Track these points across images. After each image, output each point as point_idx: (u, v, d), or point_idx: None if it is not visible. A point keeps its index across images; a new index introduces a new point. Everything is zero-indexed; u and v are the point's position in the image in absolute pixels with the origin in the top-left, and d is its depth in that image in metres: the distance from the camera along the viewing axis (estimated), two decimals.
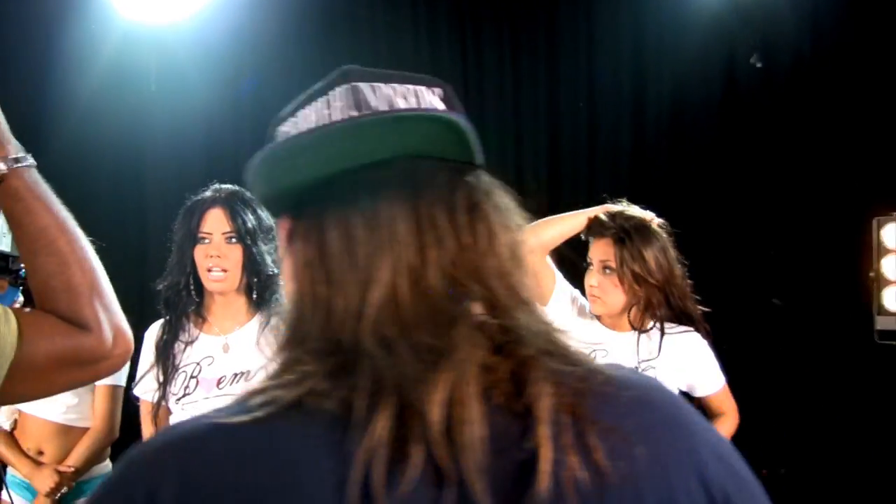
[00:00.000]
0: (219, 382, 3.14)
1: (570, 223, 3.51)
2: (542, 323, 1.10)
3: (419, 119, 1.14)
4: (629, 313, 3.39)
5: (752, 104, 6.05)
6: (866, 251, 5.42)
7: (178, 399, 3.15)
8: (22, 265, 2.00)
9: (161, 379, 3.19)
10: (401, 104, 1.15)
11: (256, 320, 3.23)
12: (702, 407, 3.55)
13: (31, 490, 3.89)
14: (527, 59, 6.30)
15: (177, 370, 3.18)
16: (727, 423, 3.57)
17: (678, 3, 6.10)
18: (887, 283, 5.38)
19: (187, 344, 3.22)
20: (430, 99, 1.19)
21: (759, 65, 5.94)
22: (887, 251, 5.39)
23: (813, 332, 5.74)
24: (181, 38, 5.59)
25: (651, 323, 3.39)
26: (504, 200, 1.16)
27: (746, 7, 5.90)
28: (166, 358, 3.20)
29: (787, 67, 5.96)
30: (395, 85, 1.16)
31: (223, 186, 3.30)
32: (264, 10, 5.79)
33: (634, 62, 6.29)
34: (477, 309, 1.07)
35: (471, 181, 1.14)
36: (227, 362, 3.17)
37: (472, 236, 1.09)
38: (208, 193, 3.27)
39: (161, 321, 3.29)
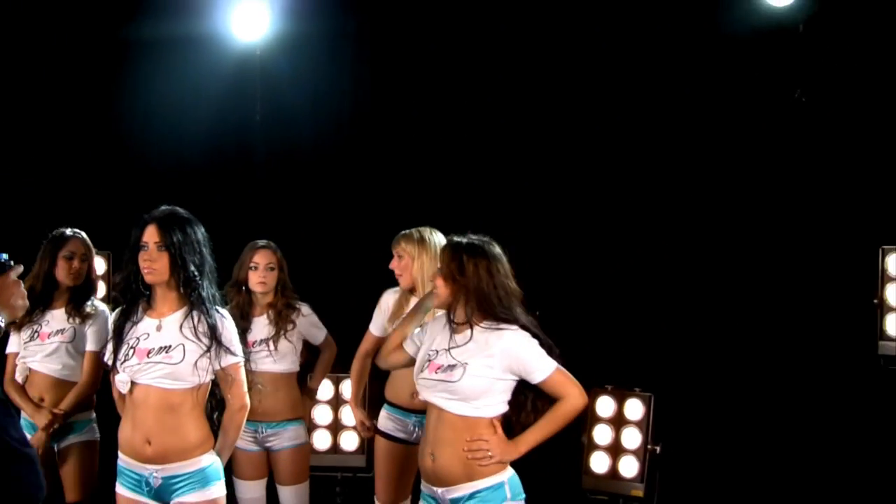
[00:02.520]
0: (148, 353, 4.17)
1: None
2: None
3: None
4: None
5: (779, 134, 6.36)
6: (872, 279, 5.61)
7: (121, 363, 4.24)
8: None
9: (112, 348, 4.32)
10: None
11: (183, 310, 4.24)
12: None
13: (34, 427, 5.25)
14: None
15: (122, 342, 4.27)
16: (565, 405, 4.04)
17: None
18: (890, 309, 5.56)
19: (134, 323, 4.30)
20: None
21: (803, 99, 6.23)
22: (891, 279, 5.57)
23: (818, 356, 5.95)
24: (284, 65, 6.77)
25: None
26: None
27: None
28: (118, 334, 4.32)
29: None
30: None
31: (162, 207, 4.33)
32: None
33: None
34: None
35: None
36: (157, 338, 4.20)
37: None
38: (152, 213, 4.32)
39: (121, 307, 4.42)
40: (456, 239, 4.23)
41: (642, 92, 6.59)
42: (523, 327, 4.04)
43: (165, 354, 4.12)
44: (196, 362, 4.11)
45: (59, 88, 7.08)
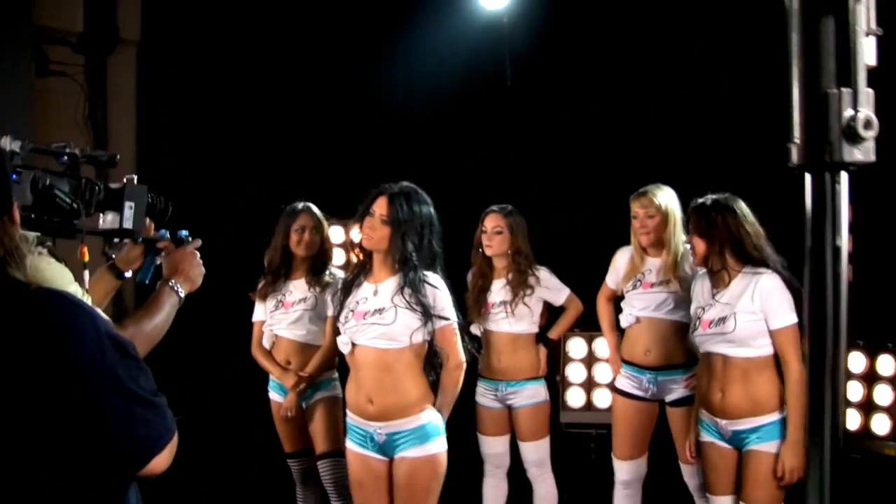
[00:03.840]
0: (364, 315, 4.52)
1: None
2: None
3: None
4: None
5: None
6: None
7: (343, 325, 4.62)
8: (152, 234, 3.33)
9: (337, 310, 4.72)
10: None
11: (397, 277, 4.51)
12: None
13: (283, 389, 5.66)
14: None
15: (344, 305, 4.65)
16: (791, 383, 4.40)
17: None
18: None
19: (357, 287, 4.67)
20: None
21: None
22: None
23: None
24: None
25: None
26: None
27: None
28: (343, 296, 4.71)
29: None
30: None
31: (402, 183, 4.60)
32: None
33: None
34: None
35: None
36: (373, 302, 4.54)
37: None
38: (389, 186, 4.61)
39: (350, 272, 4.83)
40: (699, 200, 4.64)
41: None
42: (777, 271, 4.45)
43: (379, 316, 4.44)
44: (408, 324, 4.39)
45: (308, 61, 7.60)
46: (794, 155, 1.49)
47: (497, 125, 7.37)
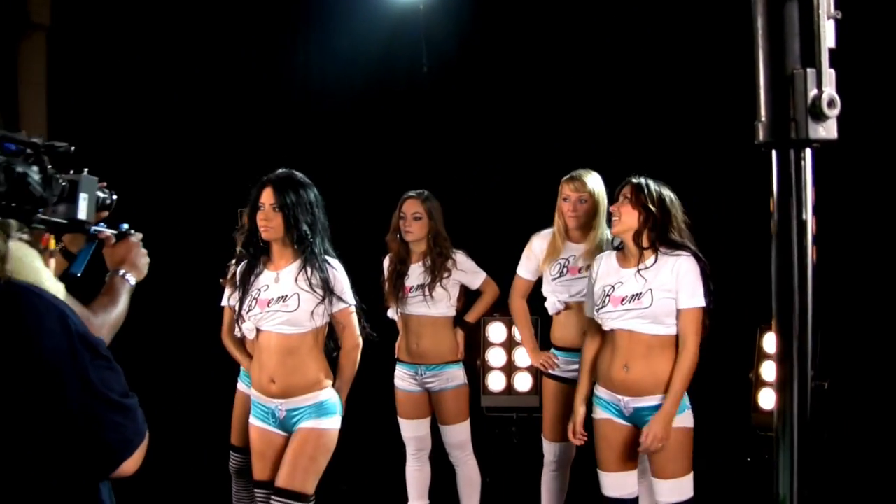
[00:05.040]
0: (269, 303, 4.68)
1: None
2: None
3: None
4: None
5: None
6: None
7: (247, 313, 4.74)
8: (94, 226, 3.24)
9: (238, 299, 4.83)
10: None
11: (297, 263, 4.68)
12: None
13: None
14: None
15: (247, 294, 4.76)
16: (679, 367, 4.55)
17: None
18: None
19: (256, 276, 4.79)
20: None
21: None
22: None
23: None
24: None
25: None
26: None
27: None
28: (243, 286, 4.81)
29: None
30: None
31: (279, 171, 4.76)
32: None
33: None
34: None
35: None
36: (275, 289, 4.69)
37: None
38: (269, 176, 4.74)
39: (245, 261, 4.87)
40: (637, 177, 4.68)
41: None
42: (697, 257, 4.55)
43: (283, 303, 4.64)
44: (311, 310, 4.61)
45: (224, 47, 7.56)
46: (761, 133, 1.53)
47: (414, 111, 7.38)
